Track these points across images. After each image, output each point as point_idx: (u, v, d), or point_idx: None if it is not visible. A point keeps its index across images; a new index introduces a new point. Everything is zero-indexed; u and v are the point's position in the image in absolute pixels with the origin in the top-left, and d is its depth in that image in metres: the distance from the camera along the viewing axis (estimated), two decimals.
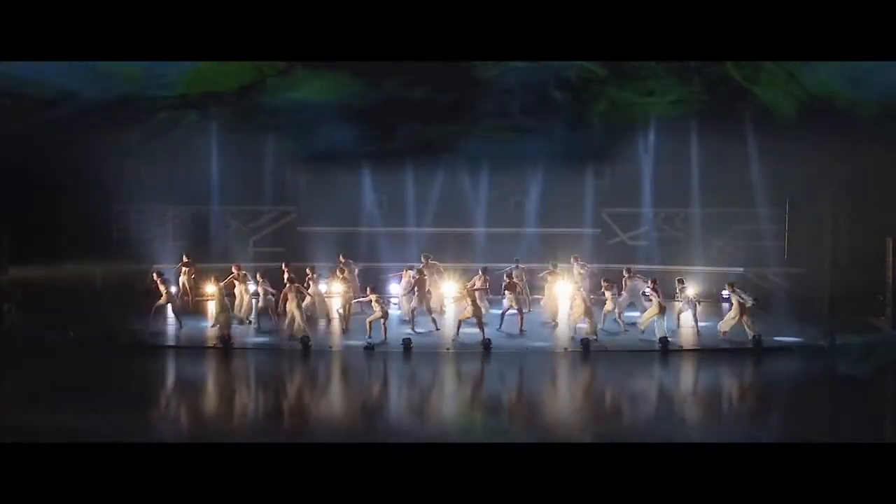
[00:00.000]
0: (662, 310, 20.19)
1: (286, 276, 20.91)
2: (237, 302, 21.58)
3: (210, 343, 19.91)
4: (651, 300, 20.70)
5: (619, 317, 21.18)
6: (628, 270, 22.41)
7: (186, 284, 23.20)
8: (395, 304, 22.87)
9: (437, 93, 22.57)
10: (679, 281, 21.63)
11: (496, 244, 25.24)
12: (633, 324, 21.16)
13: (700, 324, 21.05)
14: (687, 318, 21.24)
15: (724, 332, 20.24)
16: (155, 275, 21.72)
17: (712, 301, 24.11)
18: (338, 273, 22.30)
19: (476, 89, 22.49)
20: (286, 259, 22.49)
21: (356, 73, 21.72)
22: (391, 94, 22.61)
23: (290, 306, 20.22)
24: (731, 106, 22.76)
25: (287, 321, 20.40)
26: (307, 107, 23.01)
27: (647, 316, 20.71)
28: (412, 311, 21.55)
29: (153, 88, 21.75)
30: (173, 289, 22.16)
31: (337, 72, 21.64)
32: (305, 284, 21.31)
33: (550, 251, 24.02)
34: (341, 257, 23.13)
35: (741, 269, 24.79)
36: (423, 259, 23.08)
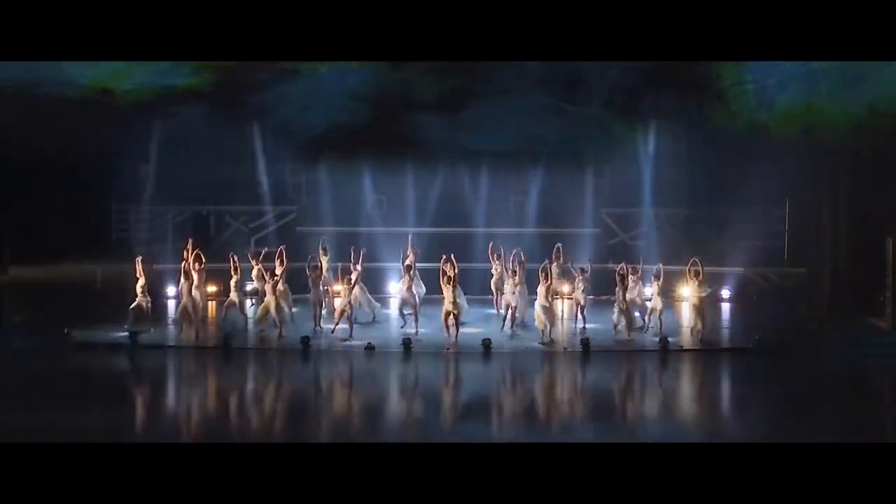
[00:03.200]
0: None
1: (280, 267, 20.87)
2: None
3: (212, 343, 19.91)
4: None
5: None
6: (634, 269, 22.20)
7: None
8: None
9: (438, 91, 22.58)
10: (581, 270, 21.21)
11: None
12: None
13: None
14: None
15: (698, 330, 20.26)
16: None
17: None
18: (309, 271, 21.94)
19: (476, 87, 22.50)
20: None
21: (358, 70, 21.74)
22: (392, 91, 22.62)
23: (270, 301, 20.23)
24: (729, 104, 22.79)
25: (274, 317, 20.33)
26: (308, 105, 23.01)
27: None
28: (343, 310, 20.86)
29: (152, 85, 21.77)
30: (171, 290, 22.07)
31: (339, 69, 21.65)
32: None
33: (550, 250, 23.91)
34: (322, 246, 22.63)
35: (741, 268, 24.79)
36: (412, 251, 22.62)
